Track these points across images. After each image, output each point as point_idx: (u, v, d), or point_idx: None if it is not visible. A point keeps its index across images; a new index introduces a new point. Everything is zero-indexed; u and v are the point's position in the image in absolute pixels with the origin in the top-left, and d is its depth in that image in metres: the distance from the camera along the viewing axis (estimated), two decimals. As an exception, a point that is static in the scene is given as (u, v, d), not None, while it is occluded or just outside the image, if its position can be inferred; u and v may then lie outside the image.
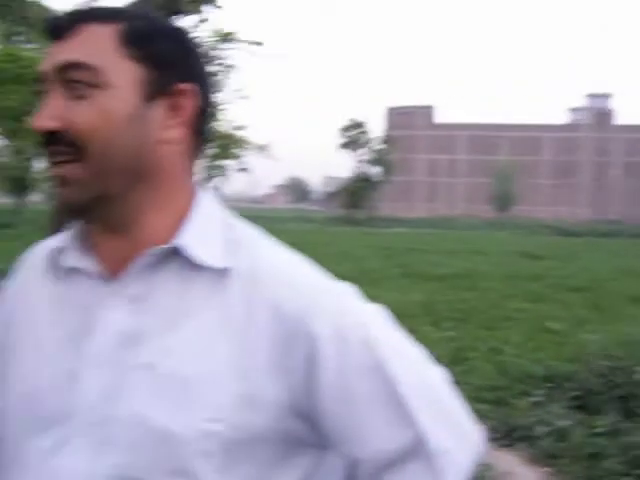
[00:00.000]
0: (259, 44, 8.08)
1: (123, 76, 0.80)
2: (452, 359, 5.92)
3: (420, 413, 0.83)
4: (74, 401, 0.80)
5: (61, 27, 0.81)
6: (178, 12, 6.63)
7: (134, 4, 6.38)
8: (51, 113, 0.78)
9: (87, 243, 0.86)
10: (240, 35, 8.48)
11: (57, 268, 0.88)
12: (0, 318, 0.94)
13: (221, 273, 0.82)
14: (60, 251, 0.87)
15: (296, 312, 0.80)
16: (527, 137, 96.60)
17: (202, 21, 6.92)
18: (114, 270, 0.83)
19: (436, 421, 0.84)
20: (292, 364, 0.80)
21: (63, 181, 0.80)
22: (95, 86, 0.78)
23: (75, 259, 0.86)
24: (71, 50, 0.79)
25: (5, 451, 0.87)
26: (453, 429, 0.85)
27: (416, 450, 0.82)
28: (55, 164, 0.80)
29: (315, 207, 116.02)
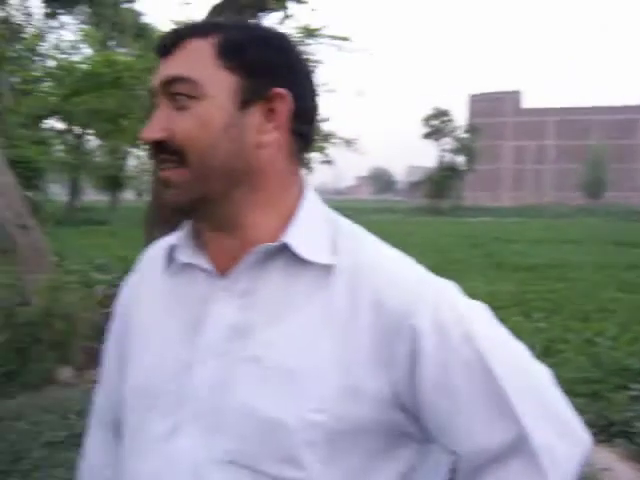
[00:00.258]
0: (345, 39, 8.11)
1: (219, 86, 0.84)
2: (543, 351, 5.79)
3: (523, 409, 0.82)
4: (187, 389, 0.86)
5: (166, 45, 0.87)
6: (264, 9, 6.76)
7: (221, 5, 6.54)
8: (157, 125, 0.85)
9: (199, 241, 0.92)
10: (326, 30, 8.55)
11: (173, 264, 0.94)
12: (121, 309, 1.04)
13: (325, 269, 0.86)
14: (175, 248, 0.94)
15: (398, 307, 0.82)
16: (620, 120, 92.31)
17: (287, 17, 7.00)
18: (224, 266, 0.89)
19: (540, 418, 0.83)
20: (394, 358, 0.82)
21: (168, 184, 0.86)
22: (194, 97, 0.84)
23: (189, 256, 0.92)
24: (173, 65, 0.86)
25: (124, 433, 0.95)
26: (558, 427, 0.84)
27: (519, 447, 0.82)
28: (161, 169, 0.87)
29: (399, 197, 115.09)
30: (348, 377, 0.81)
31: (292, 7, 7.08)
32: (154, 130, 0.85)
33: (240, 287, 0.87)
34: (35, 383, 5.01)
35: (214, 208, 0.87)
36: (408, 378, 0.82)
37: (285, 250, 0.86)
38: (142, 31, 19.03)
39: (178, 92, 0.85)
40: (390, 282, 0.85)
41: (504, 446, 0.82)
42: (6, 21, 16.82)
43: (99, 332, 5.62)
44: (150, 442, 0.88)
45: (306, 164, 0.96)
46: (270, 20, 7.17)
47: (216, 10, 6.64)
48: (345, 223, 0.93)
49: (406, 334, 0.82)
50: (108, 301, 5.99)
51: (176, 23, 7.37)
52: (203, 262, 0.91)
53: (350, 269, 0.86)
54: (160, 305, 0.95)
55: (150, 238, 6.63)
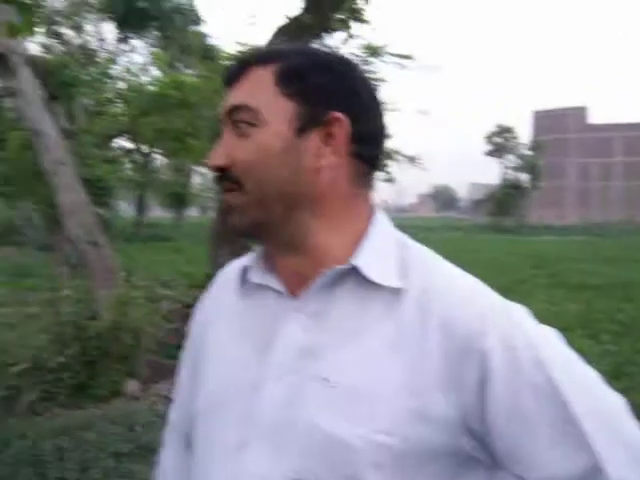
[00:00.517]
0: (408, 57, 8.12)
1: (277, 113, 0.87)
2: (612, 374, 5.60)
3: (596, 437, 0.79)
4: (256, 406, 0.88)
5: (231, 75, 0.91)
6: (327, 30, 6.86)
7: (286, 26, 6.66)
8: (221, 152, 0.89)
9: (270, 262, 0.95)
10: (390, 48, 8.57)
11: (246, 284, 0.98)
12: (196, 327, 1.08)
13: (395, 292, 0.86)
14: (248, 269, 0.97)
15: (468, 331, 0.82)
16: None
17: (351, 37, 7.06)
18: (294, 287, 0.91)
19: (614, 447, 0.80)
20: (463, 381, 0.81)
21: (229, 208, 0.90)
22: (253, 125, 0.87)
23: (260, 277, 0.95)
24: (236, 94, 0.90)
25: (195, 448, 0.98)
26: (634, 458, 0.80)
27: (591, 477, 0.79)
28: (223, 193, 0.91)
29: (461, 215, 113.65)
30: (416, 400, 0.81)
31: (355, 27, 7.15)
32: (217, 157, 0.89)
33: (310, 308, 0.89)
34: (103, 395, 5.15)
35: (277, 231, 0.90)
36: (477, 402, 0.81)
37: (354, 273, 0.87)
38: (208, 53, 19.52)
39: (239, 120, 0.88)
40: (460, 305, 0.85)
41: (576, 475, 0.80)
42: (82, 47, 17.56)
43: (164, 347, 5.77)
44: (219, 457, 0.90)
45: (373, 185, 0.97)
46: (333, 40, 7.26)
47: (281, 31, 6.79)
48: (414, 246, 0.93)
49: (476, 358, 0.81)
50: (173, 316, 6.13)
51: (241, 45, 7.54)
52: (274, 283, 0.93)
53: (420, 292, 0.86)
54: (233, 324, 0.97)
55: (214, 255, 6.78)
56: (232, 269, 1.04)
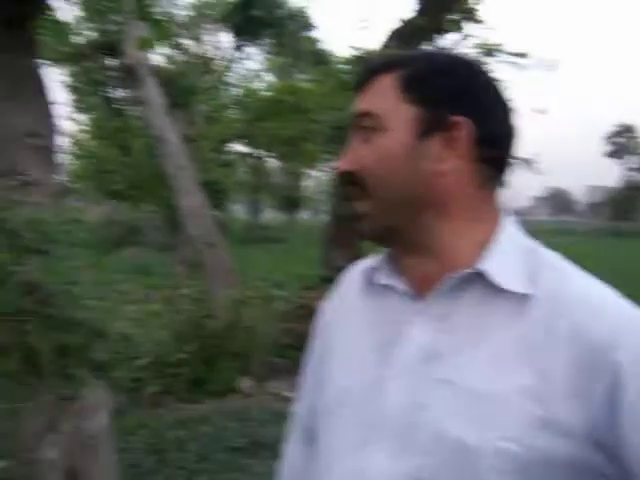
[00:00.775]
0: (523, 55, 7.89)
1: (399, 119, 0.89)
2: None
3: None
4: (380, 406, 0.89)
5: (359, 82, 0.95)
6: (440, 32, 6.80)
7: (399, 29, 6.67)
8: (348, 157, 0.92)
9: (396, 264, 0.96)
10: (505, 47, 8.35)
11: (372, 285, 0.99)
12: (322, 326, 1.11)
13: (522, 298, 0.85)
14: (374, 270, 0.99)
15: (600, 341, 0.80)
16: None
17: (465, 38, 6.97)
18: (420, 289, 0.91)
19: None
20: (592, 392, 0.79)
21: (358, 215, 0.93)
22: (377, 130, 0.90)
23: (386, 278, 0.96)
24: (362, 101, 0.93)
25: (318, 445, 1.01)
26: None
27: None
28: (352, 201, 0.93)
29: (578, 219, 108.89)
30: (543, 408, 0.80)
31: (469, 27, 7.04)
32: (344, 162, 0.92)
33: (435, 311, 0.89)
34: (218, 391, 5.35)
35: (404, 235, 0.91)
36: (607, 414, 0.79)
37: (481, 277, 0.86)
38: (321, 57, 19.80)
39: (364, 126, 0.91)
40: (592, 314, 0.82)
41: None
42: (201, 56, 18.33)
43: (277, 347, 5.90)
44: (341, 454, 0.92)
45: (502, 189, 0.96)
46: (446, 41, 7.18)
47: (395, 34, 6.79)
48: (544, 251, 0.91)
49: (607, 368, 0.79)
50: (286, 317, 6.26)
51: (355, 49, 7.62)
52: (399, 284, 0.94)
53: (549, 299, 0.84)
54: (358, 324, 0.99)
55: (327, 258, 6.86)
56: (357, 270, 1.06)
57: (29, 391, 1.99)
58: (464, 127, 0.87)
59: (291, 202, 35.31)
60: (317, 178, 33.12)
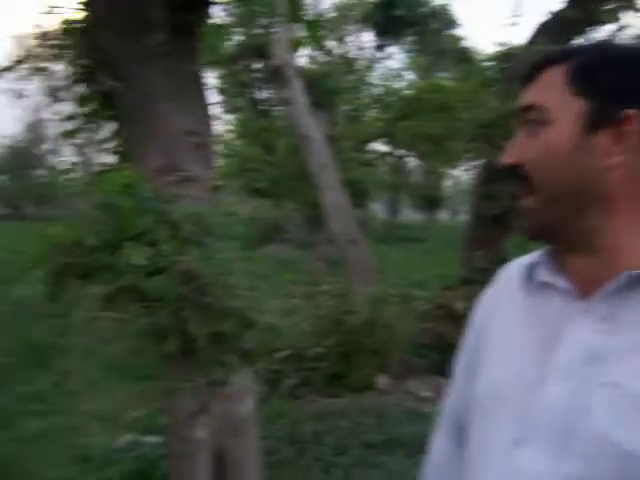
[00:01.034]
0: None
1: (566, 111, 0.87)
2: None
3: None
4: (538, 405, 0.87)
5: (526, 76, 0.93)
6: (594, 23, 6.44)
7: (548, 22, 6.41)
8: (513, 150, 0.92)
9: (558, 261, 0.94)
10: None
11: (530, 282, 0.97)
12: (476, 320, 1.10)
13: None
14: (534, 267, 0.97)
15: None
16: None
17: (622, 28, 6.53)
18: (584, 289, 0.89)
19: None
20: None
21: (523, 211, 0.92)
22: (542, 123, 0.88)
23: (547, 275, 0.94)
24: (529, 94, 0.92)
25: (470, 440, 1.00)
26: None
27: None
28: (519, 196, 0.92)
29: None
30: None
31: (627, 16, 6.60)
32: (509, 155, 0.92)
33: (600, 312, 0.86)
34: (356, 387, 5.42)
35: (567, 231, 0.89)
36: None
37: None
38: (464, 55, 19.47)
39: (530, 119, 0.90)
40: None
41: None
42: (343, 57, 18.64)
43: (415, 346, 5.88)
44: (494, 452, 0.91)
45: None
46: (600, 34, 6.79)
47: (543, 28, 6.53)
48: None
49: None
50: (425, 317, 6.22)
51: (501, 45, 7.39)
52: (561, 282, 0.91)
53: None
54: (515, 320, 0.98)
55: (468, 258, 6.73)
56: (516, 265, 1.04)
57: (185, 373, 2.12)
58: (636, 121, 0.85)
59: (431, 201, 34.92)
60: (457, 177, 32.51)
